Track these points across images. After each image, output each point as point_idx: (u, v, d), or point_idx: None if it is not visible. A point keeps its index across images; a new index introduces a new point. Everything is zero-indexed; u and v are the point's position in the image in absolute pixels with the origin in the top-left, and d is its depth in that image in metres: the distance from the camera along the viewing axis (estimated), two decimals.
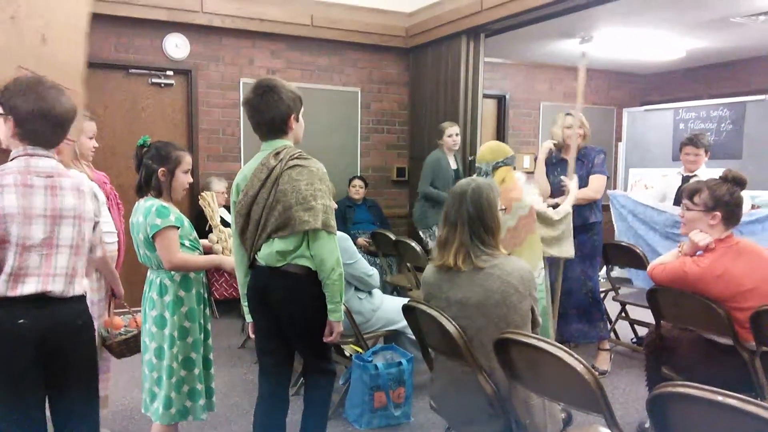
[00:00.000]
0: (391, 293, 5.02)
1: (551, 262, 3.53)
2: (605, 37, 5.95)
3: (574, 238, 3.58)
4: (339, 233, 3.37)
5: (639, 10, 4.95)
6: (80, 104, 2.02)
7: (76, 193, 1.95)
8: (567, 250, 3.33)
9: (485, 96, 6.20)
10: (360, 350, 3.40)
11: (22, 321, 1.84)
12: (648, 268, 2.87)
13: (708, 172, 4.58)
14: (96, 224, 2.07)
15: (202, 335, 2.60)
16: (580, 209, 3.81)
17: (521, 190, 3.15)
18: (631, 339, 4.59)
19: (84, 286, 2.02)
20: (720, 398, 1.39)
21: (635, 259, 4.20)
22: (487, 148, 3.24)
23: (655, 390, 1.56)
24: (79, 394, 2.02)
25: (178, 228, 2.49)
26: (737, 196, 2.64)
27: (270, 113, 2.31)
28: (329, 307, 2.34)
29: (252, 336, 2.55)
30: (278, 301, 2.35)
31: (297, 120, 2.39)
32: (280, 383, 2.53)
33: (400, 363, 3.24)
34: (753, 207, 4.62)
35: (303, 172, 2.26)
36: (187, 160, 2.60)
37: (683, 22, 5.47)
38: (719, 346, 2.66)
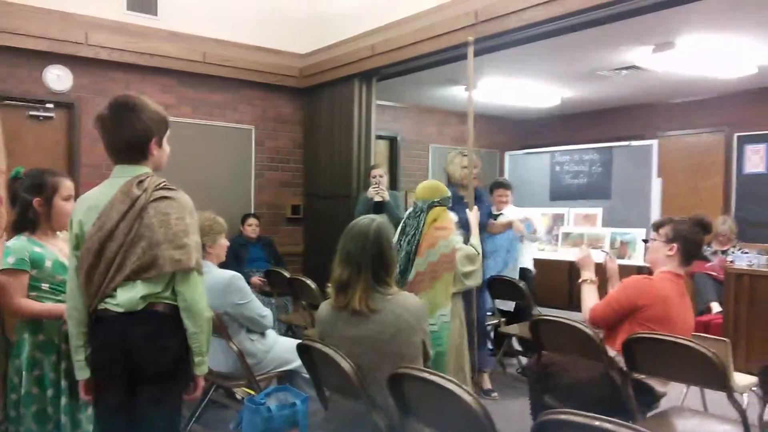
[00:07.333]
0: (286, 333, 4.95)
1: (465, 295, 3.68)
2: (489, 85, 6.36)
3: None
4: (232, 272, 3.35)
5: (518, 60, 5.35)
6: None
7: None
8: (479, 277, 3.43)
9: (378, 137, 6.37)
10: (252, 393, 3.32)
11: None
12: (586, 317, 2.91)
13: (514, 210, 5.14)
14: None
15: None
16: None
17: (452, 230, 3.24)
18: (516, 369, 4.81)
19: None
20: (597, 423, 1.50)
21: (516, 292, 4.53)
22: (425, 187, 3.29)
23: (538, 418, 1.65)
24: None
25: (25, 272, 2.29)
26: (698, 236, 2.85)
27: (125, 133, 2.04)
28: (197, 359, 2.04)
29: (86, 397, 2.09)
30: (139, 351, 1.95)
31: (159, 145, 2.11)
32: None
33: (294, 404, 3.19)
34: (621, 244, 5.04)
35: (172, 205, 2.00)
36: (67, 185, 2.42)
37: (558, 74, 5.98)
38: (596, 370, 2.83)
